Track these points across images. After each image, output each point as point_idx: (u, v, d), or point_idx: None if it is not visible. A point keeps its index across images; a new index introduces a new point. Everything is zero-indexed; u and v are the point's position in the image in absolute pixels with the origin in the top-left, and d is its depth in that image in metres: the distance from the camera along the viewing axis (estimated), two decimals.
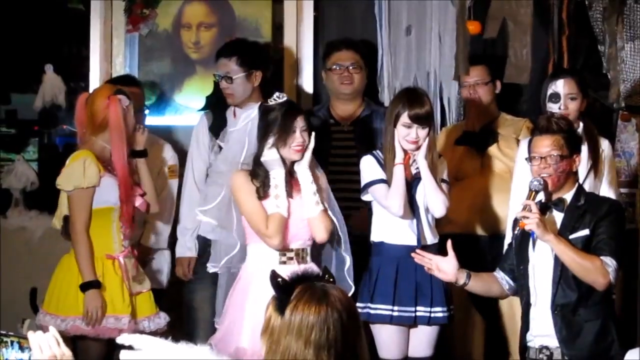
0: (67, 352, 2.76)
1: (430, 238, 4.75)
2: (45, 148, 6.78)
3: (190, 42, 5.97)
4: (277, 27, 5.99)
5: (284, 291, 2.76)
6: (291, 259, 4.56)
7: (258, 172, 4.55)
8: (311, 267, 4.41)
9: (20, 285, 5.80)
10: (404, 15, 5.94)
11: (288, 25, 5.98)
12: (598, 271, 4.15)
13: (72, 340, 4.72)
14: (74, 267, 4.73)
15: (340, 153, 5.41)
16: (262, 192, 4.53)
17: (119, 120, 4.74)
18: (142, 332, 4.68)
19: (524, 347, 4.40)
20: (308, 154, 4.57)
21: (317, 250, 4.72)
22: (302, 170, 4.58)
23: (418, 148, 4.66)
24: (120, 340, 2.71)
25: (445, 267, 4.41)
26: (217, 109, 5.40)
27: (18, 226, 6.16)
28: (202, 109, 5.60)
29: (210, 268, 4.79)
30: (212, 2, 6.00)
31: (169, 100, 5.99)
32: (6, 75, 6.43)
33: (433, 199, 4.67)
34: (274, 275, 2.80)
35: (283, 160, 4.54)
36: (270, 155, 4.51)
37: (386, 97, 5.85)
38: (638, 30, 5.33)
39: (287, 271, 2.90)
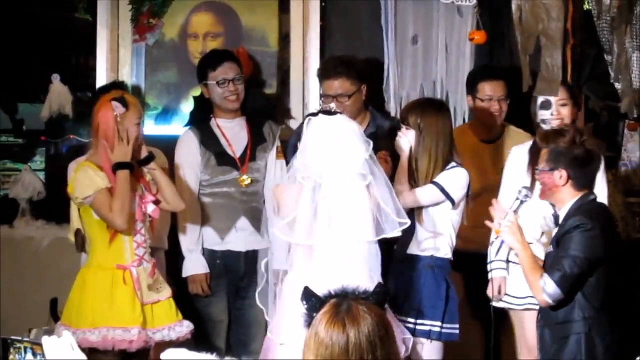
0: (83, 357, 2.76)
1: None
2: (52, 158, 6.79)
3: (197, 52, 5.95)
4: (284, 37, 6.00)
5: (314, 309, 2.70)
6: None
7: None
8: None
9: (27, 294, 5.81)
10: (410, 25, 5.94)
11: (295, 35, 5.98)
12: (535, 288, 4.13)
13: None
14: (88, 281, 4.69)
15: None
16: None
17: (106, 126, 4.66)
18: (160, 341, 4.69)
19: None
20: None
21: None
22: None
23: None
24: (165, 356, 2.70)
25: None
26: (202, 123, 5.38)
27: (25, 236, 6.15)
28: (187, 125, 5.52)
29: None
30: (219, 12, 6.00)
31: (176, 110, 5.98)
32: (14, 85, 6.44)
33: None
34: (307, 293, 2.72)
35: None
36: None
37: (393, 107, 5.85)
38: None
39: None
